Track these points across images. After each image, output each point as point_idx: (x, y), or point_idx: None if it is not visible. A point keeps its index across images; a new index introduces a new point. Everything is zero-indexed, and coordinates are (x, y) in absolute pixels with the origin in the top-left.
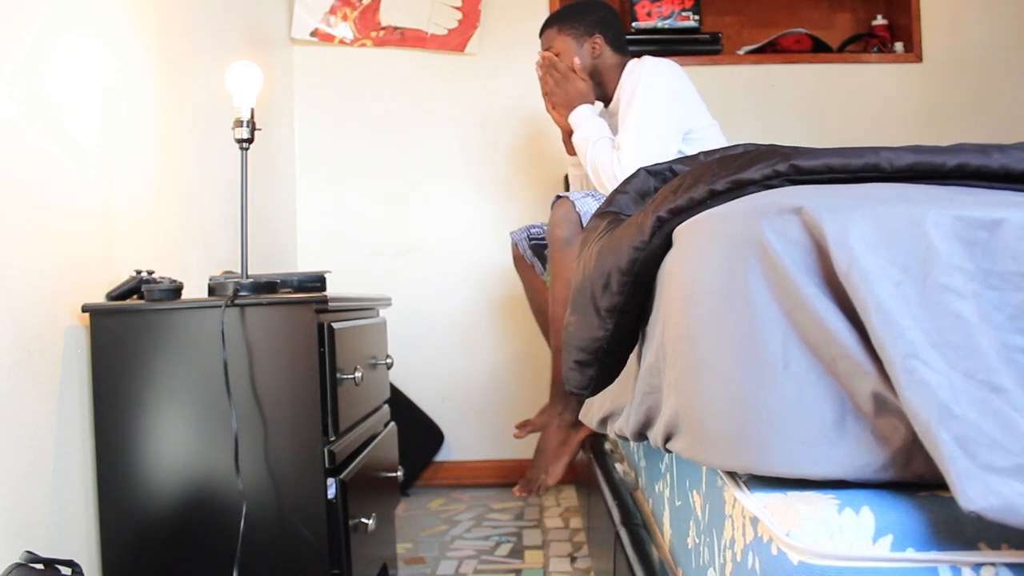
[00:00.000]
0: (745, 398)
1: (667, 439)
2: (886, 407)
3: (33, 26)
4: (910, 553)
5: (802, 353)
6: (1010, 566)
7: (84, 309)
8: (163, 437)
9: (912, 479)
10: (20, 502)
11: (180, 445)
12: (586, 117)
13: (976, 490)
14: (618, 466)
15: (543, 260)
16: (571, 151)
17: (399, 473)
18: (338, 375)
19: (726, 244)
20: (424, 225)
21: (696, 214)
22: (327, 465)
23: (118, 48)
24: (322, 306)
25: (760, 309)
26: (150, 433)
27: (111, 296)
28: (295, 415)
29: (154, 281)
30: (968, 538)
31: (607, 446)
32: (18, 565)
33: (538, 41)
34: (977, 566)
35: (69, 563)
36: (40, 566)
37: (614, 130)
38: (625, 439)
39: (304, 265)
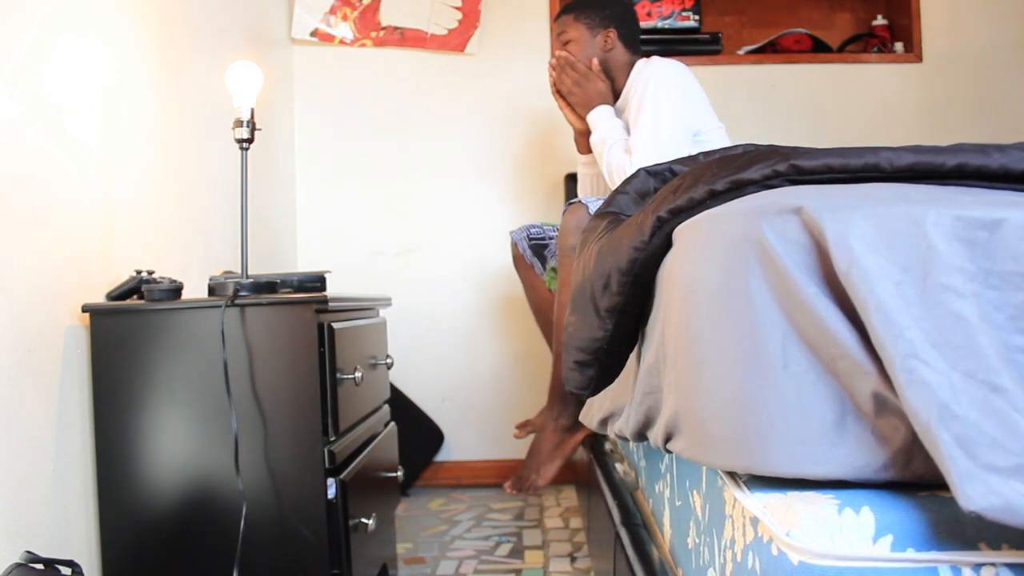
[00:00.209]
0: (745, 398)
1: (667, 439)
2: (886, 407)
3: (33, 26)
4: (910, 553)
5: (802, 353)
6: (1010, 566)
7: (84, 309)
8: (163, 437)
9: (912, 479)
10: (20, 502)
11: (180, 445)
12: (604, 118)
13: (977, 490)
14: (618, 466)
15: (543, 260)
16: (583, 150)
17: (399, 473)
18: (338, 375)
19: (726, 244)
20: (424, 225)
21: (696, 214)
22: (327, 465)
23: (118, 48)
24: (322, 306)
25: (760, 309)
26: (150, 433)
27: (111, 296)
28: (295, 415)
29: (154, 281)
30: (968, 538)
31: (607, 446)
32: (18, 565)
33: (538, 41)
34: (977, 566)
35: (69, 563)
36: (40, 566)
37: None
38: (625, 439)
39: (304, 265)
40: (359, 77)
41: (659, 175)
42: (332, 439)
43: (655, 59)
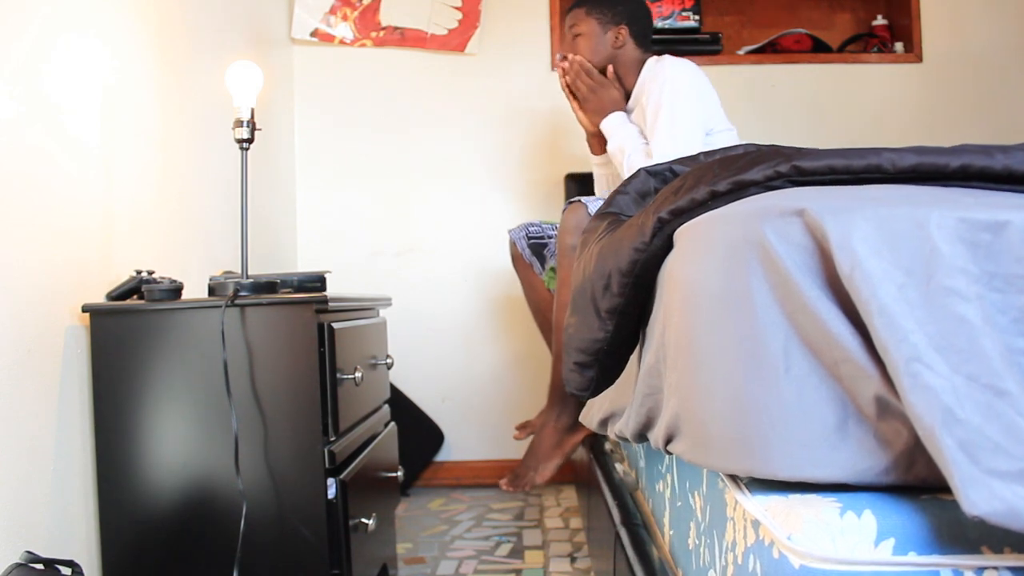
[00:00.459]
0: (746, 401)
1: (668, 441)
2: (889, 410)
3: (33, 26)
4: (912, 557)
5: (804, 356)
6: (1013, 570)
7: (84, 309)
8: (163, 437)
9: (915, 483)
10: (20, 502)
11: (180, 445)
12: (619, 125)
13: (980, 495)
14: (618, 466)
15: (541, 259)
16: (596, 151)
17: (399, 473)
18: (338, 375)
19: (727, 246)
20: (424, 225)
21: (697, 215)
22: (327, 465)
23: (118, 48)
24: (322, 306)
25: (762, 311)
26: (150, 433)
27: (111, 296)
28: (295, 415)
29: (154, 281)
30: (971, 542)
31: (607, 446)
32: (18, 565)
33: (538, 41)
34: (980, 570)
35: (69, 563)
36: (40, 566)
37: None
38: (626, 440)
39: (304, 265)
40: (359, 77)
41: (659, 175)
42: (332, 439)
43: (667, 58)
